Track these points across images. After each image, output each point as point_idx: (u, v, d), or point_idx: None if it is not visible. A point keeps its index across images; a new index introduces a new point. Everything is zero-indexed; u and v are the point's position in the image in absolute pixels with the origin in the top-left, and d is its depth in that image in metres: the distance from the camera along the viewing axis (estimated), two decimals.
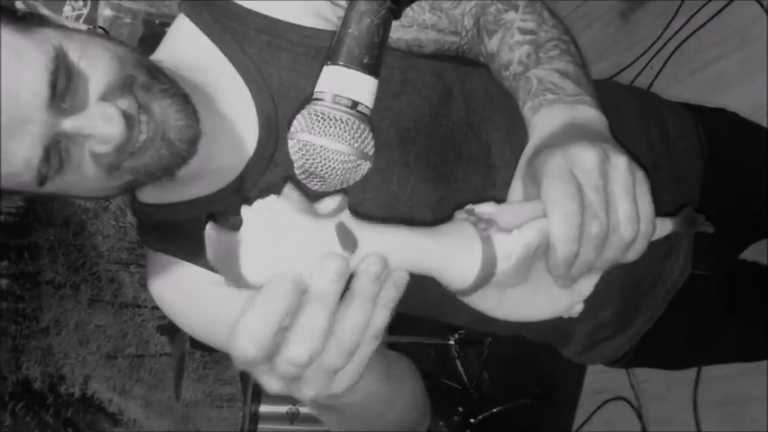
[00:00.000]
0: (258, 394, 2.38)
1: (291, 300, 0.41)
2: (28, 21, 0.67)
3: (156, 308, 0.87)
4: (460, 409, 2.21)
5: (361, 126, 0.54)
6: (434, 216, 0.78)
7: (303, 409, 2.35)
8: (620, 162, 0.53)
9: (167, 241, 0.81)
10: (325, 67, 0.56)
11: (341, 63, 0.55)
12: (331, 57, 0.55)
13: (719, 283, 1.00)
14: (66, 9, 2.11)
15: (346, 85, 0.55)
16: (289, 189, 0.44)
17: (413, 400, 0.74)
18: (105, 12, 2.18)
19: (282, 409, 2.36)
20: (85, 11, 2.13)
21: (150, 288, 0.84)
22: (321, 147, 0.54)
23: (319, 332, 0.41)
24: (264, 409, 2.38)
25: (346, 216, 0.45)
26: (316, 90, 0.55)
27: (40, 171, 0.64)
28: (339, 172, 0.55)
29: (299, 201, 0.43)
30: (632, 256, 0.54)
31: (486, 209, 0.52)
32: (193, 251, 0.79)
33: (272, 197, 0.43)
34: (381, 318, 0.43)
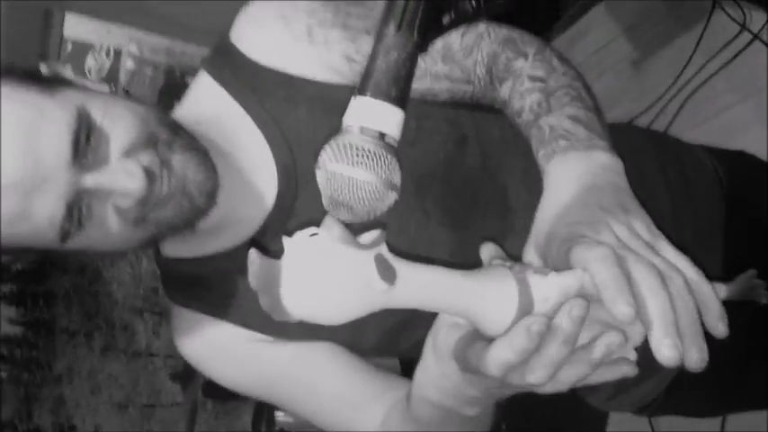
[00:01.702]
0: None
1: (541, 332, 0.47)
2: (52, 83, 0.70)
3: (169, 357, 0.87)
4: None
5: (389, 157, 0.55)
6: (454, 260, 0.77)
7: None
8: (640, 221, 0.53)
9: (192, 296, 0.82)
10: (353, 99, 0.57)
11: (368, 95, 0.56)
12: (359, 89, 0.56)
13: (745, 325, 0.98)
14: (89, 61, 2.16)
15: (374, 116, 0.55)
16: (330, 220, 0.44)
17: None
18: (128, 63, 2.23)
19: None
20: (108, 63, 2.18)
21: (178, 346, 0.84)
22: (349, 177, 0.54)
23: (558, 364, 0.48)
24: None
25: (384, 249, 0.45)
26: (344, 122, 0.56)
27: (63, 228, 0.66)
28: (367, 202, 0.55)
29: (340, 232, 0.44)
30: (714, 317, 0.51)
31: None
32: (219, 306, 0.80)
33: (313, 228, 0.44)
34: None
